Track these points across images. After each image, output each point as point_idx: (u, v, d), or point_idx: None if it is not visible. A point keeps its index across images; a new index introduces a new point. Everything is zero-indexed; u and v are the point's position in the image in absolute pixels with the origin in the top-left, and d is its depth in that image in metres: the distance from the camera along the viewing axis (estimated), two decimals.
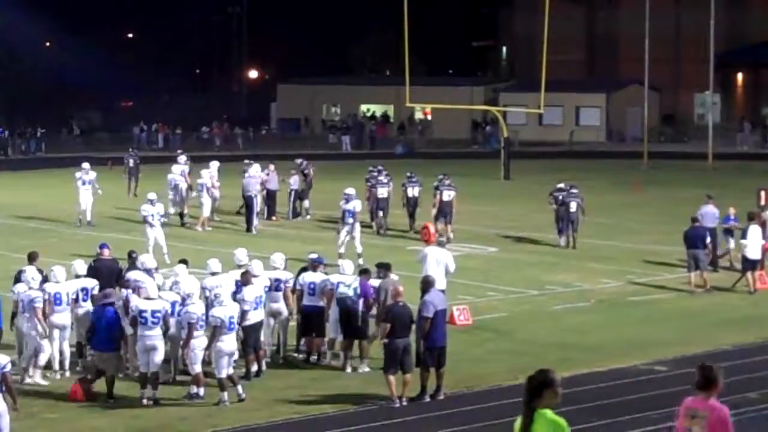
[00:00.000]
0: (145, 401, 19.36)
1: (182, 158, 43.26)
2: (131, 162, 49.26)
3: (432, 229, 27.79)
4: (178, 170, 41.15)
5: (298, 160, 43.97)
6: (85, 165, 41.19)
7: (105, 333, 19.73)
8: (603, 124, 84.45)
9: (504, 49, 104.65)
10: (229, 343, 19.31)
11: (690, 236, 29.15)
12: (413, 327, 19.38)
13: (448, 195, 36.61)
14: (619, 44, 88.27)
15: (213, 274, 21.73)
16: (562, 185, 36.63)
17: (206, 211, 38.77)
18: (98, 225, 39.25)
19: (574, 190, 36.04)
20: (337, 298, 21.54)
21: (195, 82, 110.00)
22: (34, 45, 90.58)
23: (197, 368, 19.42)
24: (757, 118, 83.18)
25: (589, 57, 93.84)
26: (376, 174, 38.98)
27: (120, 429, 18.15)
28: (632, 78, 78.59)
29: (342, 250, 31.62)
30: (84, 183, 40.11)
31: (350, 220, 32.63)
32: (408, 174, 39.86)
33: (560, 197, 35.85)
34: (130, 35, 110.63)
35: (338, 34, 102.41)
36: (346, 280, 21.62)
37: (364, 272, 22.09)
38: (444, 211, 36.32)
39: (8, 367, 16.18)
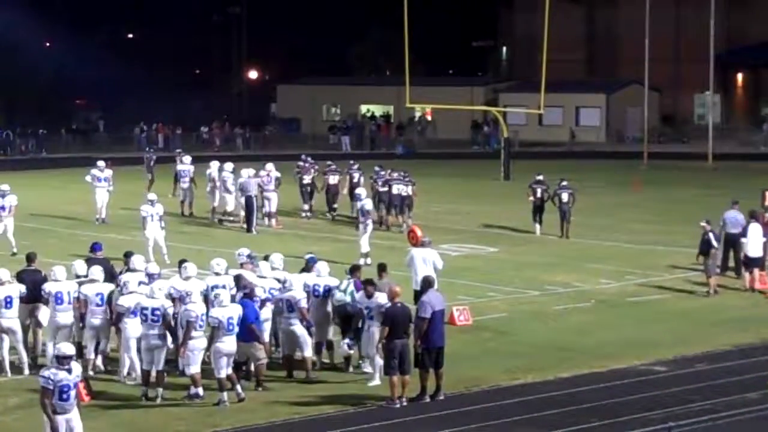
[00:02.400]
0: (144, 400, 19.37)
1: (187, 158, 43.34)
2: (151, 161, 49.57)
3: (419, 232, 27.89)
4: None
5: (309, 159, 43.85)
6: (101, 163, 41.33)
7: (242, 324, 19.75)
8: (603, 125, 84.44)
9: (504, 49, 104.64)
10: (229, 344, 19.31)
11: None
12: (411, 327, 19.39)
13: (397, 189, 38.63)
14: (619, 44, 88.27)
15: (216, 274, 21.74)
16: (540, 177, 38.45)
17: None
18: (100, 225, 39.28)
19: (565, 183, 37.55)
20: (336, 306, 21.35)
21: (195, 82, 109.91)
22: (34, 45, 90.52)
23: (193, 369, 19.41)
24: (756, 118, 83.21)
25: (589, 57, 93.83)
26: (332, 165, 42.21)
27: (120, 429, 18.14)
28: (632, 78, 78.62)
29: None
30: (100, 181, 40.25)
31: (361, 218, 32.93)
32: (376, 168, 41.27)
33: (537, 189, 37.85)
34: (130, 35, 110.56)
35: (338, 34, 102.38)
36: (340, 285, 21.36)
37: (355, 269, 22.01)
38: (394, 204, 38.65)
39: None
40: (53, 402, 15.43)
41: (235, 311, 19.56)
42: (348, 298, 21.20)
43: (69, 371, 15.54)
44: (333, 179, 41.59)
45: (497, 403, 19.09)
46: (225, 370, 19.17)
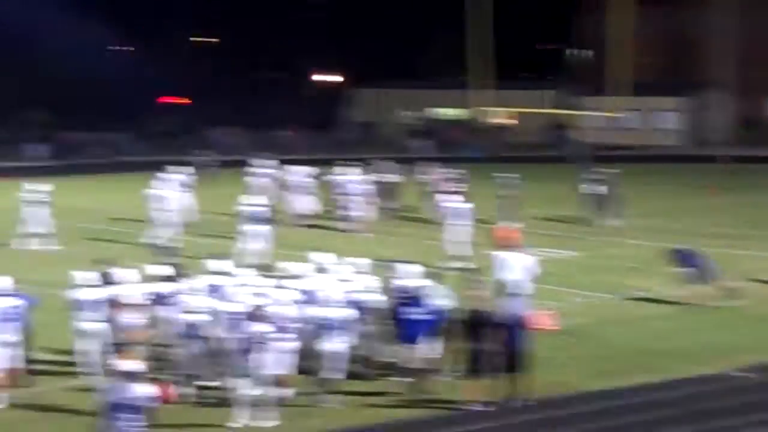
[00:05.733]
0: None
1: (270, 162, 43.80)
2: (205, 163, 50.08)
3: (508, 235, 27.32)
4: (304, 173, 40.62)
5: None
6: (187, 169, 41.44)
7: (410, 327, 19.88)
8: (681, 128, 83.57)
9: (580, 52, 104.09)
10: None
11: None
12: (489, 331, 19.08)
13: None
14: (699, 47, 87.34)
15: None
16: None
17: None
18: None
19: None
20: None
21: (269, 85, 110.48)
22: (93, 49, 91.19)
23: None
24: None
25: (667, 59, 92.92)
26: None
27: None
28: (712, 80, 77.75)
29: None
30: (177, 185, 40.41)
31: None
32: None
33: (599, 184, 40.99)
34: (212, 39, 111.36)
35: (409, 39, 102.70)
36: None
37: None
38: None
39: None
40: None
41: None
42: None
43: None
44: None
45: (585, 409, 18.87)
46: None
